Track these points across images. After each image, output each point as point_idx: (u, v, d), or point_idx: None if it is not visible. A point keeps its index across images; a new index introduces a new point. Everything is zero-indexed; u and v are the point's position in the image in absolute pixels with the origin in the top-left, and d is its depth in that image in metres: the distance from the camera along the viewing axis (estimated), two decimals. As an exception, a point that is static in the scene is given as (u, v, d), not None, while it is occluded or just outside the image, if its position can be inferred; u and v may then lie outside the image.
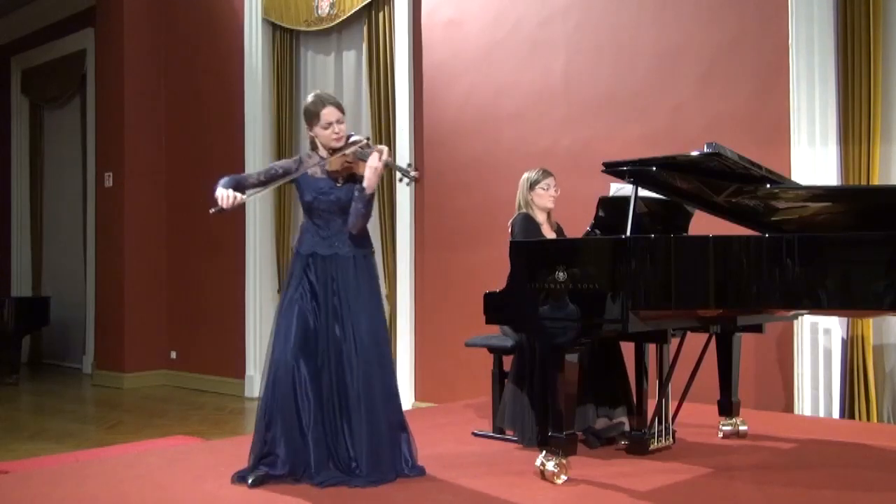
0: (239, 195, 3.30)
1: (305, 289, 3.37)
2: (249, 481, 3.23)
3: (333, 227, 3.40)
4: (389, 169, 3.63)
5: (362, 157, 3.36)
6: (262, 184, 3.49)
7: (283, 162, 3.58)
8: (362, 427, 3.27)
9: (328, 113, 3.36)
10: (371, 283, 3.46)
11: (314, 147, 3.50)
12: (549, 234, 4.16)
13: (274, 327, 3.41)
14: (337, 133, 3.38)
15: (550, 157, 5.34)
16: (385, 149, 3.39)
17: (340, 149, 3.38)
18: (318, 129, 3.39)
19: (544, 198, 4.13)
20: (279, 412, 3.27)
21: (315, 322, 3.34)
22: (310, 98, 3.45)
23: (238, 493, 3.18)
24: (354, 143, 3.40)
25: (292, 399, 3.27)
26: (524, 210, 4.13)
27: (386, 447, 3.31)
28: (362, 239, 3.47)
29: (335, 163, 3.37)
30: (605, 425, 3.84)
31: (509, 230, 4.10)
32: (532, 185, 4.13)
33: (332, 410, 3.30)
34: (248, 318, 7.26)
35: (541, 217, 4.15)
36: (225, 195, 3.26)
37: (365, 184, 3.33)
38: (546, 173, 4.16)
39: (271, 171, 3.51)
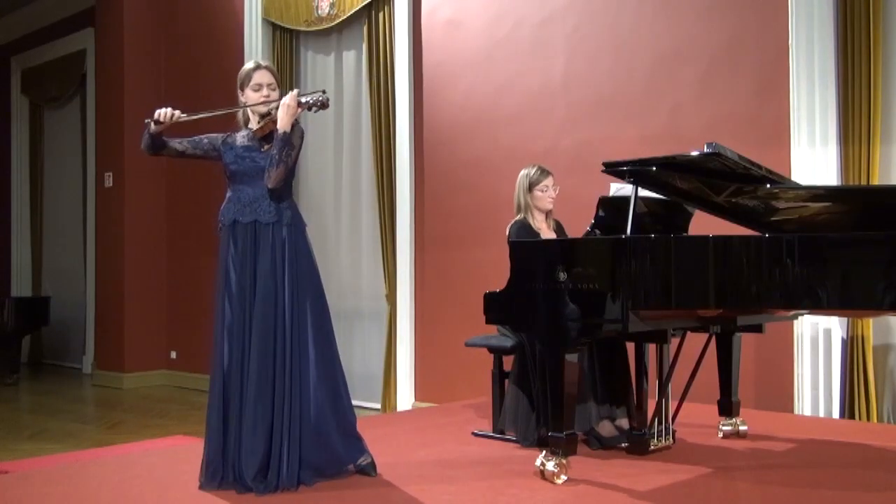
0: (178, 112, 3.20)
1: (230, 267, 3.22)
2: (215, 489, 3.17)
3: (254, 193, 3.22)
4: (307, 107, 3.25)
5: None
6: (183, 153, 3.36)
7: (211, 135, 3.39)
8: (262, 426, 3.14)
9: (260, 75, 3.28)
10: (296, 254, 3.24)
11: (245, 121, 3.38)
12: (549, 236, 4.14)
13: (214, 312, 3.26)
14: (266, 97, 3.27)
15: (550, 158, 5.34)
16: (297, 90, 3.24)
17: (265, 115, 3.26)
18: (248, 92, 3.29)
19: (543, 200, 4.10)
20: (210, 416, 3.23)
21: (237, 308, 3.18)
22: (245, 65, 3.37)
23: (237, 494, 3.17)
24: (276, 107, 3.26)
25: (221, 402, 3.21)
26: (522, 213, 4.10)
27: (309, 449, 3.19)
28: (285, 208, 3.26)
29: (259, 124, 3.25)
30: (611, 433, 3.83)
31: (507, 237, 4.09)
32: (531, 187, 4.10)
33: (242, 410, 3.17)
34: (248, 318, 7.24)
35: (539, 218, 4.12)
36: (166, 112, 3.18)
37: (278, 123, 3.17)
38: (545, 172, 4.11)
39: (195, 139, 3.38)
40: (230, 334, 3.21)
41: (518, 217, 4.11)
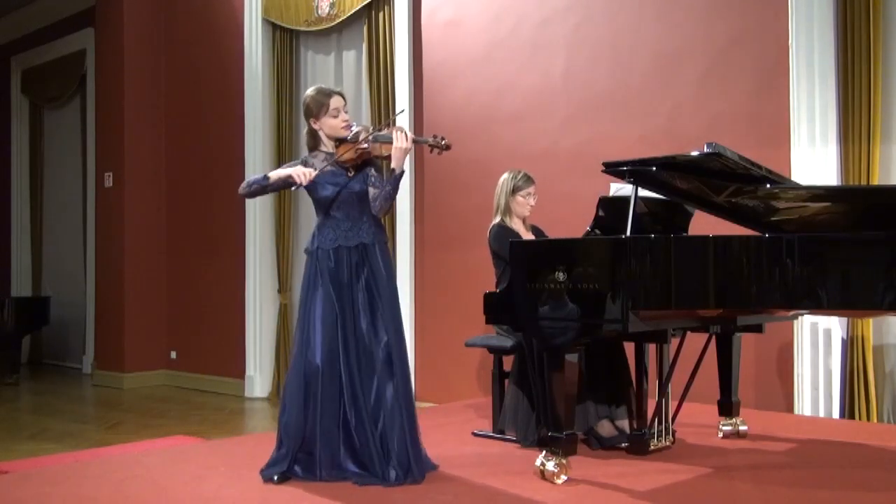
0: (311, 170, 3.34)
1: (331, 285, 3.34)
2: (275, 478, 3.29)
3: (353, 218, 3.40)
4: (416, 145, 3.52)
5: (382, 140, 3.33)
6: (272, 187, 3.43)
7: (291, 164, 3.50)
8: (386, 425, 3.33)
9: (336, 101, 3.40)
10: (391, 271, 3.47)
11: (314, 146, 3.48)
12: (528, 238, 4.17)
13: (300, 327, 3.37)
14: (345, 120, 3.41)
15: (550, 157, 5.35)
16: (403, 128, 3.39)
17: (345, 140, 3.37)
18: (325, 119, 3.40)
19: (524, 206, 4.18)
20: (305, 414, 3.30)
21: (343, 319, 3.32)
22: (311, 91, 3.45)
23: (237, 493, 3.18)
24: (358, 132, 3.39)
25: (318, 402, 3.28)
26: (501, 215, 4.15)
27: (405, 447, 3.34)
28: (381, 226, 3.49)
29: (347, 153, 3.35)
30: (611, 433, 3.84)
31: (488, 240, 4.13)
32: (514, 191, 4.15)
33: (355, 410, 3.31)
34: (247, 318, 7.26)
35: (517, 223, 4.16)
36: (302, 171, 3.30)
37: (394, 164, 3.32)
38: (529, 180, 4.19)
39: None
40: (334, 343, 3.31)
41: (497, 220, 4.16)
